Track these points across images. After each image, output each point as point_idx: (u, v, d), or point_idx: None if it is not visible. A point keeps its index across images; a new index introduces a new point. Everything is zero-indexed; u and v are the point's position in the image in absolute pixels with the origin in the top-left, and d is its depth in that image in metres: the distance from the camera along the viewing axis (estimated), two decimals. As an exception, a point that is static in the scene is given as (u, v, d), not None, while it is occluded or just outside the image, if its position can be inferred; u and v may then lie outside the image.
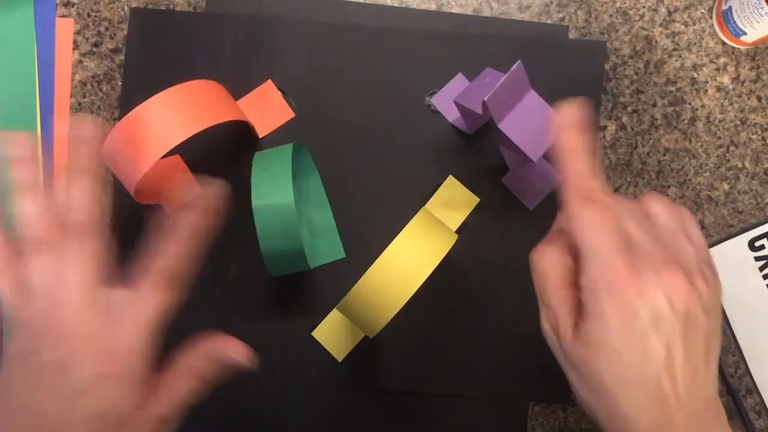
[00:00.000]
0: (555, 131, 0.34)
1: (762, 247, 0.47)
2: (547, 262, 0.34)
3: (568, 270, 0.34)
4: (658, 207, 0.33)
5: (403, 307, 0.38)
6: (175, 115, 0.41)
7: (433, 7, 0.49)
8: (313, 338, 0.47)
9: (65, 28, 0.48)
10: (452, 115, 0.48)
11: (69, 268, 0.33)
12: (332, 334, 0.47)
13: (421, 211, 0.40)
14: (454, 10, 0.49)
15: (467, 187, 0.48)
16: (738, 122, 0.48)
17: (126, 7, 0.48)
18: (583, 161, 0.33)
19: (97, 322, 0.32)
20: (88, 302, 0.33)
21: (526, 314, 0.47)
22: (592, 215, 0.31)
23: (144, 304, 0.34)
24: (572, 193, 0.32)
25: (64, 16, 0.49)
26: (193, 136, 0.40)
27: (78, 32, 0.49)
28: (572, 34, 0.49)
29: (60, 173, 0.35)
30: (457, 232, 0.47)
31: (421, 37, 0.48)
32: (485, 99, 0.38)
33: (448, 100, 0.47)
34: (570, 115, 0.34)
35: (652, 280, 0.30)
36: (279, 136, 0.48)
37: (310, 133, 0.48)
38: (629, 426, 0.31)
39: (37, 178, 0.35)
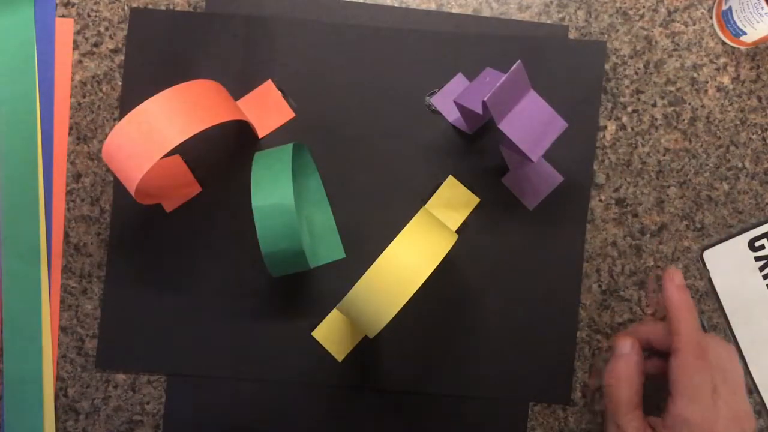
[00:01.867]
0: (670, 289, 0.42)
1: (762, 247, 0.47)
2: (624, 383, 0.42)
3: (636, 393, 0.42)
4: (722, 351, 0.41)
5: (403, 307, 0.38)
6: (175, 115, 0.41)
7: (433, 7, 0.49)
8: (313, 338, 0.47)
9: (65, 28, 0.48)
10: (452, 115, 0.48)
11: None
12: (332, 334, 0.47)
13: (421, 211, 0.40)
14: (454, 10, 0.49)
15: (467, 187, 0.48)
16: (738, 122, 0.48)
17: (126, 7, 0.48)
18: (696, 318, 0.41)
19: None
20: None
21: (526, 314, 0.48)
22: (701, 372, 0.40)
23: None
24: (689, 347, 0.40)
25: (64, 16, 0.49)
26: (193, 136, 0.40)
27: (78, 32, 0.49)
28: (572, 34, 0.49)
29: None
30: (457, 232, 0.47)
31: (421, 37, 0.48)
32: (485, 99, 0.38)
33: (448, 100, 0.47)
34: (679, 276, 0.42)
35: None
36: (279, 136, 0.48)
37: (310, 133, 0.48)
38: None
39: None
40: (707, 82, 0.48)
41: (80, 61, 0.48)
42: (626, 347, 0.43)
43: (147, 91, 0.41)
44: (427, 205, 0.47)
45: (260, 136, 0.48)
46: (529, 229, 0.48)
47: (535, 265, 0.48)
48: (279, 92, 0.48)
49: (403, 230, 0.38)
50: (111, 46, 0.48)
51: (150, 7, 0.48)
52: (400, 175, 0.48)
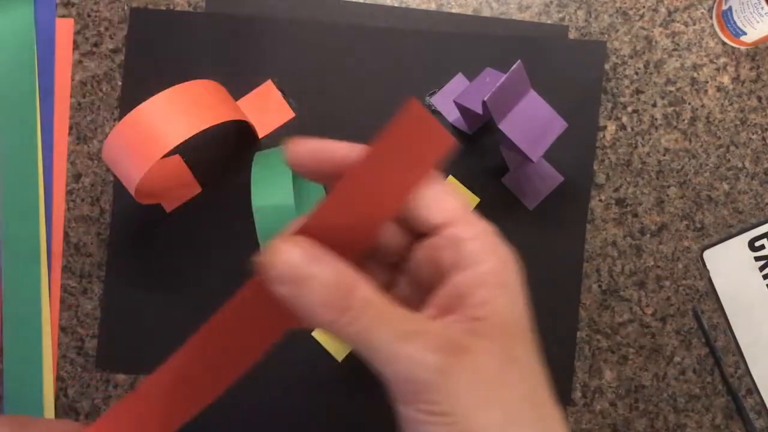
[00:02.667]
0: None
1: (762, 247, 0.47)
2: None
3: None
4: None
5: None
6: (175, 115, 0.41)
7: (433, 7, 0.49)
8: (313, 338, 0.47)
9: (65, 28, 0.48)
10: (452, 115, 0.48)
11: None
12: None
13: (421, 211, 0.40)
14: (454, 10, 0.49)
15: (467, 187, 0.48)
16: (738, 122, 0.48)
17: (126, 7, 0.48)
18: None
19: None
20: None
21: (526, 314, 0.47)
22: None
23: None
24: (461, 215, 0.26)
25: (64, 16, 0.49)
26: (193, 136, 0.40)
27: (78, 32, 0.49)
28: (572, 34, 0.49)
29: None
30: (457, 232, 0.47)
31: (421, 37, 0.48)
32: (485, 99, 0.38)
33: (448, 100, 0.47)
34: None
35: None
36: (279, 136, 0.48)
37: (310, 133, 0.48)
38: None
39: None
40: (707, 82, 0.48)
41: (80, 61, 0.48)
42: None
43: (147, 91, 0.41)
44: (427, 205, 0.47)
45: (260, 136, 0.48)
46: (529, 229, 0.48)
47: (535, 265, 0.47)
48: (279, 92, 0.48)
49: (403, 230, 0.38)
50: (111, 46, 0.48)
51: (150, 7, 0.48)
52: (400, 175, 0.48)
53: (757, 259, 0.47)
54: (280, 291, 0.25)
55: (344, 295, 0.23)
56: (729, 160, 0.48)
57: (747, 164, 0.48)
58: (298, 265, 0.24)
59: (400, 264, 0.27)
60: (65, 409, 0.47)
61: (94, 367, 0.47)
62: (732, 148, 0.48)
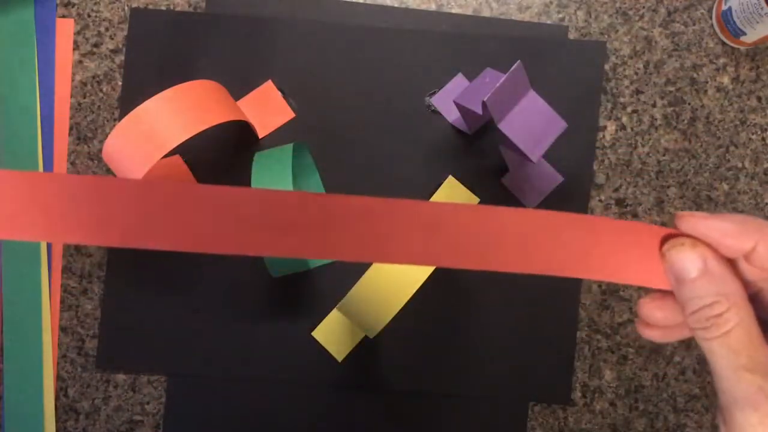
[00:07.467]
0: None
1: (762, 247, 0.47)
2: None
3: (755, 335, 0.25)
4: None
5: (403, 308, 0.38)
6: (176, 115, 0.41)
7: (433, 7, 0.49)
8: (313, 338, 0.47)
9: (65, 29, 0.48)
10: (452, 115, 0.48)
11: None
12: (332, 334, 0.47)
13: (421, 211, 0.40)
14: (454, 10, 0.49)
15: (467, 187, 0.48)
16: (738, 122, 0.48)
17: (126, 7, 0.48)
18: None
19: None
20: None
21: (526, 314, 0.48)
22: None
23: None
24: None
25: (64, 17, 0.49)
26: (193, 136, 0.40)
27: (78, 32, 0.49)
28: (572, 35, 0.49)
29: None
30: (457, 232, 0.47)
31: (421, 37, 0.48)
32: (485, 99, 0.38)
33: (448, 100, 0.47)
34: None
35: None
36: (279, 136, 0.48)
37: (310, 133, 0.48)
38: None
39: None
40: (707, 82, 0.48)
41: (80, 62, 0.48)
42: (695, 265, 0.25)
43: (147, 91, 0.41)
44: (427, 205, 0.47)
45: (260, 136, 0.48)
46: (529, 229, 0.48)
47: (535, 265, 0.47)
48: (279, 92, 0.48)
49: (403, 230, 0.38)
50: (111, 46, 0.48)
51: (150, 7, 0.48)
52: (400, 175, 0.48)
53: (756, 259, 0.47)
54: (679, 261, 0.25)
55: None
56: (729, 160, 0.48)
57: (747, 164, 0.48)
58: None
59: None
60: (65, 409, 0.47)
61: (94, 367, 0.47)
62: (732, 148, 0.48)
